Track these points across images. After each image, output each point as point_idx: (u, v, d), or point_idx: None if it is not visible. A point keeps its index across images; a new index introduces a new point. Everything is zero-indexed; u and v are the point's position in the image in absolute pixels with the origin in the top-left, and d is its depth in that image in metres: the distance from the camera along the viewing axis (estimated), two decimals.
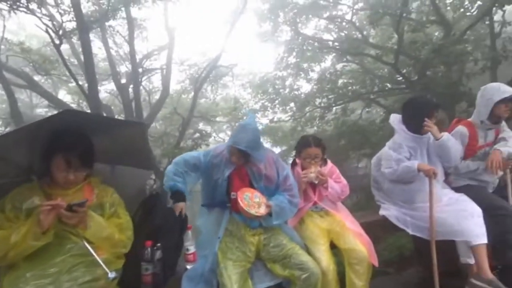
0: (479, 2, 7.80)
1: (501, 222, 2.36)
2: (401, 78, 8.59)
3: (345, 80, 10.79)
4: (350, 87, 10.18)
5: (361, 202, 7.44)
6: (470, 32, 7.96)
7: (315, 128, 11.40)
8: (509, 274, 2.29)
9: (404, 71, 8.46)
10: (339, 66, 11.38)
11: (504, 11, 8.06)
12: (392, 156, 2.55)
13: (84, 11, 8.22)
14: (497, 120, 2.64)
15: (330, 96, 10.12)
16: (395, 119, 2.69)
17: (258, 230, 2.10)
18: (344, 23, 10.41)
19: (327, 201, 2.41)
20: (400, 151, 2.54)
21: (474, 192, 2.54)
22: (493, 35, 7.57)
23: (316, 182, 2.32)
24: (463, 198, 2.45)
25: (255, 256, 2.05)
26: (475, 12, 8.03)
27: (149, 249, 1.80)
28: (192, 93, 12.50)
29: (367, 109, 11.24)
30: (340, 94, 9.78)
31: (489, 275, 2.16)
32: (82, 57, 9.33)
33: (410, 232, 2.46)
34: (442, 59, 6.72)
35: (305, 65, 10.99)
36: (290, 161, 2.65)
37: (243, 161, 2.08)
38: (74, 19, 7.76)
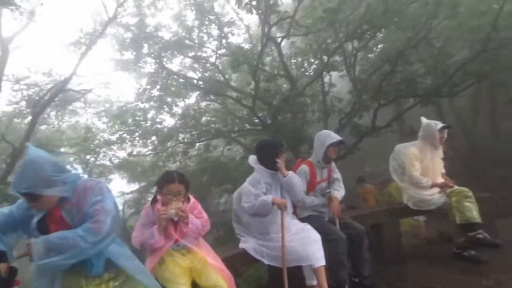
0: (314, 66, 9.80)
1: (334, 245, 2.86)
2: (257, 120, 9.59)
3: (209, 118, 11.25)
4: (213, 125, 10.65)
5: (223, 237, 7.58)
6: (309, 88, 9.83)
7: (178, 163, 11.24)
8: None
9: (260, 114, 9.50)
10: (203, 104, 11.84)
11: (331, 75, 10.45)
12: (251, 191, 2.78)
13: None
14: (329, 160, 3.28)
15: (193, 132, 10.28)
16: (253, 159, 2.99)
17: (104, 277, 1.78)
18: (208, 64, 11.03)
19: (188, 238, 2.31)
20: (258, 186, 2.80)
21: (315, 221, 3.02)
22: (324, 93, 9.59)
23: (176, 218, 2.20)
24: (307, 227, 2.83)
25: None
26: (312, 73, 10.01)
27: None
28: (29, 118, 10.35)
29: (228, 147, 11.93)
30: (204, 131, 10.09)
31: None
32: None
33: (266, 262, 2.65)
34: (289, 108, 7.97)
35: (169, 99, 10.91)
36: (150, 198, 2.47)
37: (39, 205, 1.68)
38: None
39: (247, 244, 2.79)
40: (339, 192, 3.32)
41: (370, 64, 7.93)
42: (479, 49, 5.06)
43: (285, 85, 10.38)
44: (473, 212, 3.47)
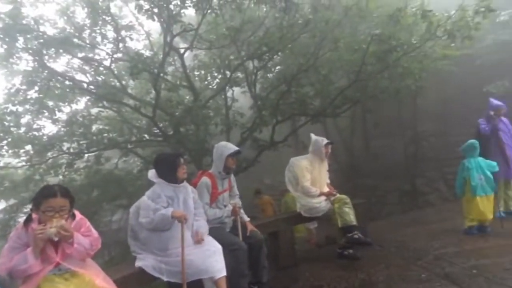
0: (217, 80, 10.01)
1: (235, 255, 2.91)
2: (158, 131, 9.17)
3: (101, 126, 10.17)
4: (106, 134, 9.66)
5: (117, 258, 6.85)
6: (213, 101, 9.95)
7: (61, 177, 9.75)
8: None
9: (161, 125, 9.12)
10: (94, 111, 10.65)
11: (233, 91, 10.83)
12: (150, 206, 2.64)
13: None
14: (229, 171, 3.36)
15: (82, 142, 9.12)
16: (152, 173, 2.89)
17: None
18: (101, 68, 10.04)
19: (72, 260, 2.01)
20: (158, 200, 2.68)
21: (216, 232, 3.03)
22: (227, 107, 9.85)
23: (57, 238, 1.90)
24: (208, 239, 2.82)
25: None
26: (215, 87, 10.18)
27: None
28: None
29: (124, 158, 10.98)
30: (94, 140, 9.06)
31: None
32: None
33: (165, 279, 2.52)
34: (192, 119, 7.88)
35: (51, 103, 9.44)
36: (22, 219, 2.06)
37: None
38: None
39: (144, 261, 2.61)
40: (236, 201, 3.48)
41: (269, 83, 8.58)
42: (353, 79, 6.11)
43: (188, 97, 10.26)
44: (350, 216, 4.04)
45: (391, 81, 6.08)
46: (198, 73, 10.02)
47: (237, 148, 3.34)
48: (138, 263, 2.62)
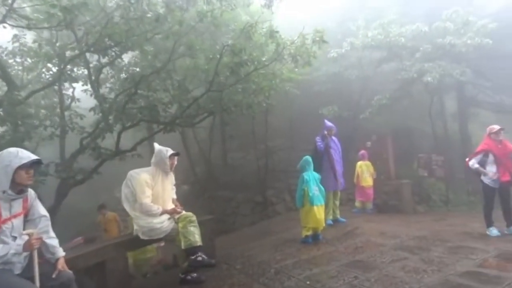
0: (51, 73, 8.10)
1: None
2: None
3: None
4: None
5: None
6: (46, 99, 7.96)
7: None
8: None
9: None
10: None
11: (74, 88, 9.03)
12: None
13: None
14: (22, 189, 2.39)
15: None
16: None
17: None
18: None
19: None
20: None
21: None
22: (62, 106, 8.07)
23: None
24: None
25: None
26: (50, 79, 8.17)
27: None
28: None
29: None
30: None
31: None
32: None
33: None
34: (8, 118, 5.97)
35: None
36: None
37: None
38: None
39: None
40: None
41: (119, 84, 7.47)
42: (207, 89, 5.93)
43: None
44: (195, 236, 3.64)
45: (244, 96, 6.21)
46: (21, 60, 7.87)
47: (33, 157, 2.38)
48: None
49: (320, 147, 5.89)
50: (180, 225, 3.69)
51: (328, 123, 6.19)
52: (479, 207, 8.52)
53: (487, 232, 4.92)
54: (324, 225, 5.05)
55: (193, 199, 11.62)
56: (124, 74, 7.90)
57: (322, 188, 5.10)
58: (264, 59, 5.72)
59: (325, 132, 6.01)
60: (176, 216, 3.77)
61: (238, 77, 5.68)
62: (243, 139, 12.22)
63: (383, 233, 5.16)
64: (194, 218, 3.78)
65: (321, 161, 5.76)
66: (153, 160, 3.88)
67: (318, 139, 6.03)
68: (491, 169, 4.90)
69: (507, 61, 9.35)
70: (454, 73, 7.74)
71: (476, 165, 5.00)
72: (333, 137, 6.19)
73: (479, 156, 5.01)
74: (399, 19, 8.81)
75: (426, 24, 8.45)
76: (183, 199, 12.20)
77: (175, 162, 3.95)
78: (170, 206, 3.93)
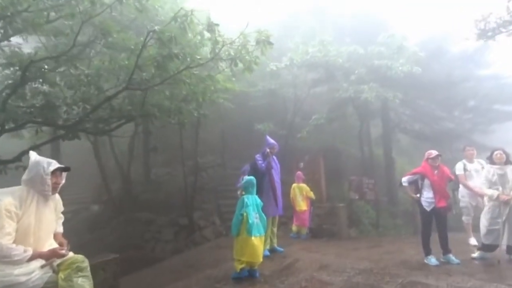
0: None
1: None
2: None
3: None
4: None
5: None
6: None
7: None
8: None
9: None
10: None
11: None
12: None
13: None
14: None
15: None
16: None
17: None
18: None
19: None
20: None
21: None
22: None
23: None
24: None
25: None
26: None
27: None
28: None
29: None
30: None
31: None
32: None
33: None
34: None
35: None
36: None
37: None
38: None
39: None
40: None
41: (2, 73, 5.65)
42: (124, 86, 4.71)
43: None
44: None
45: (172, 101, 5.17)
46: None
47: None
48: None
49: (262, 167, 5.15)
50: (62, 275, 2.48)
51: (271, 140, 5.51)
52: (405, 230, 8.95)
53: (426, 261, 4.75)
54: (261, 259, 4.22)
55: (104, 221, 9.78)
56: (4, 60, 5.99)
57: (264, 216, 4.31)
58: (199, 57, 4.78)
59: (267, 150, 5.31)
60: (57, 262, 2.55)
61: (166, 74, 4.61)
62: (170, 153, 10.92)
63: (326, 266, 4.56)
64: (85, 263, 2.60)
65: (262, 182, 5.00)
66: (25, 176, 2.61)
67: (258, 157, 5.28)
68: (427, 194, 4.83)
69: (427, 91, 10.15)
70: (388, 96, 7.89)
71: (406, 183, 4.94)
72: (274, 156, 5.52)
73: (413, 177, 4.97)
74: (335, 40, 8.85)
75: (362, 47, 8.61)
76: (91, 223, 10.31)
77: (62, 181, 2.73)
78: (51, 245, 2.67)
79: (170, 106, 5.12)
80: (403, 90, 8.72)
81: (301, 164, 9.29)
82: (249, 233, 4.03)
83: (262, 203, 4.38)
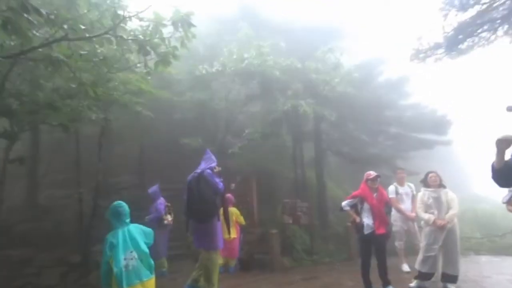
0: None
1: None
2: None
3: None
4: None
5: None
6: None
7: None
8: None
9: None
10: None
11: None
12: None
13: None
14: None
15: None
16: None
17: None
18: None
19: None
20: None
21: None
22: None
23: None
24: None
25: None
26: None
27: None
28: None
29: None
30: None
31: None
32: None
33: None
34: None
35: None
36: None
37: None
38: None
39: None
40: None
41: None
42: None
43: None
44: None
45: (42, 90, 3.73)
46: None
47: None
48: None
49: (222, 187, 4.22)
50: None
51: (213, 156, 4.63)
52: (339, 256, 8.45)
53: None
54: None
55: None
56: None
57: (146, 251, 3.14)
58: (84, 27, 3.38)
59: (216, 168, 4.40)
60: None
61: (26, 42, 3.09)
62: (67, 173, 8.86)
63: None
64: None
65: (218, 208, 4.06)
66: None
67: (211, 174, 4.25)
68: (367, 221, 4.46)
69: (358, 115, 10.20)
70: (325, 113, 7.53)
71: (347, 208, 4.68)
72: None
73: (353, 200, 4.68)
74: (272, 52, 8.33)
75: (299, 61, 8.21)
76: None
77: None
78: None
79: (38, 99, 3.63)
80: (337, 110, 8.51)
81: (233, 185, 8.36)
82: (120, 285, 2.87)
83: (145, 232, 3.26)
